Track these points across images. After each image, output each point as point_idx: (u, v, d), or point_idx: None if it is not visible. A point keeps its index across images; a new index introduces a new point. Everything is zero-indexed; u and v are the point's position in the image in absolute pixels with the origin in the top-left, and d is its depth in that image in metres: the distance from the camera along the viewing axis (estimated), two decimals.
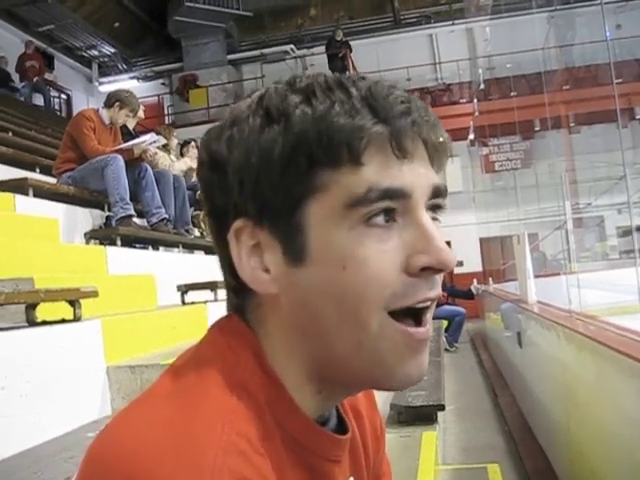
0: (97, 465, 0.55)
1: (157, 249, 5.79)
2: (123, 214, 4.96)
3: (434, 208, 0.65)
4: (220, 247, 0.66)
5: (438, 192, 0.63)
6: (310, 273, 0.60)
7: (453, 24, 18.14)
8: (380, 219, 0.59)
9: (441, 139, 0.64)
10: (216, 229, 0.67)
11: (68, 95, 17.59)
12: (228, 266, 0.65)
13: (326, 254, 0.59)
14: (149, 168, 5.48)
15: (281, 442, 0.60)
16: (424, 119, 0.61)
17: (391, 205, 0.59)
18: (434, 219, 0.64)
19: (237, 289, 0.66)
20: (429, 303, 0.62)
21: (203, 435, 0.53)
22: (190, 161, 7.21)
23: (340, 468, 0.69)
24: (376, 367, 0.61)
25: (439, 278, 0.63)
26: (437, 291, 0.63)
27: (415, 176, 0.61)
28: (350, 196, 0.58)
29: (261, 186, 0.60)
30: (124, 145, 5.37)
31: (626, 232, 10.20)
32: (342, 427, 0.72)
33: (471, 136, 14.95)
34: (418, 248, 0.60)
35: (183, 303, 4.50)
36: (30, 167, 5.98)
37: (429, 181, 0.62)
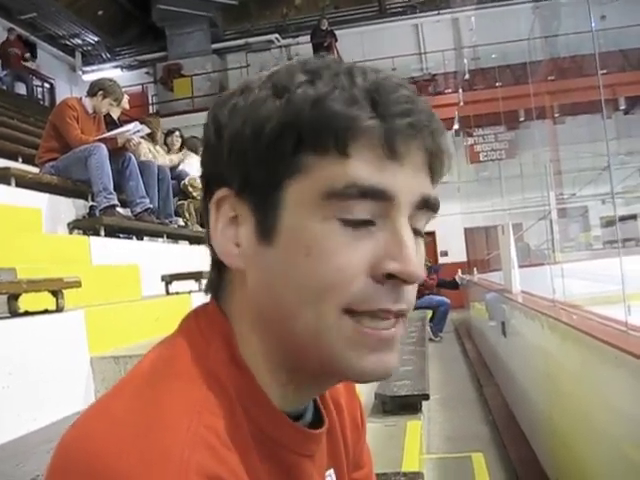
0: (64, 458, 0.54)
1: (141, 239, 5.76)
2: (107, 204, 4.93)
3: (421, 218, 0.62)
4: (205, 215, 0.66)
5: (426, 202, 0.61)
6: (276, 254, 0.59)
7: (439, 14, 18.13)
8: (357, 217, 0.57)
9: (440, 147, 0.61)
10: (204, 196, 0.66)
11: (51, 84, 17.42)
12: (209, 235, 0.65)
13: (294, 238, 0.58)
14: (133, 158, 5.44)
15: (251, 435, 0.59)
16: (424, 123, 0.59)
17: (371, 205, 0.57)
18: (417, 230, 0.62)
19: (215, 261, 0.66)
20: (391, 316, 0.60)
21: (170, 429, 0.52)
22: (177, 159, 7.19)
23: (313, 462, 0.67)
24: (333, 358, 0.59)
25: (408, 292, 0.60)
26: (401, 305, 0.60)
27: (402, 181, 0.58)
28: (329, 186, 0.56)
29: (247, 158, 0.59)
30: (108, 134, 5.33)
31: (610, 222, 10.28)
32: (319, 420, 0.71)
33: (456, 126, 14.97)
34: (389, 254, 0.58)
35: (167, 293, 4.48)
36: (12, 156, 5.93)
37: (418, 189, 0.60)
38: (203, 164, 0.67)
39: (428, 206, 0.61)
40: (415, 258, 0.58)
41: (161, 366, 0.60)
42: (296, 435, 0.65)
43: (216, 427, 0.55)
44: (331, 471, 0.73)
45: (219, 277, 0.66)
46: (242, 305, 0.64)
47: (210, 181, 0.65)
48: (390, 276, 0.58)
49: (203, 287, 0.70)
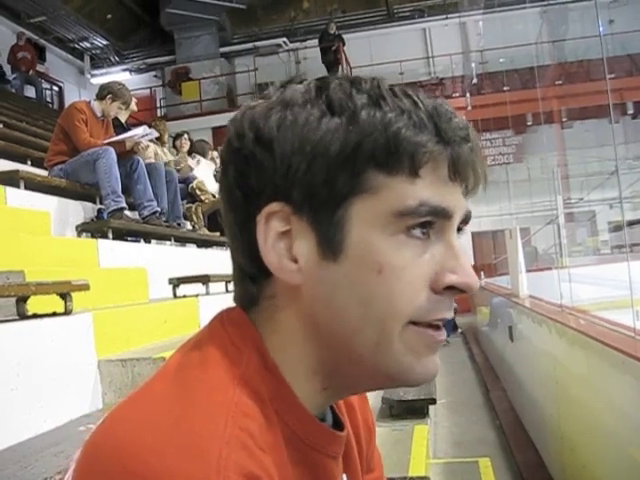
0: (96, 458, 0.53)
1: (149, 242, 5.77)
2: (115, 207, 4.94)
3: (457, 230, 0.66)
4: (240, 227, 0.64)
5: (467, 218, 0.66)
6: (342, 270, 0.60)
7: (447, 18, 18.11)
8: (419, 232, 0.61)
9: (484, 169, 0.66)
10: (241, 206, 0.64)
11: (60, 87, 17.48)
12: (248, 249, 0.64)
13: (363, 255, 0.60)
14: (141, 161, 5.46)
15: (283, 438, 0.60)
16: (479, 148, 0.65)
17: (432, 220, 0.61)
18: None
19: (254, 275, 0.65)
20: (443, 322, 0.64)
21: (206, 429, 0.53)
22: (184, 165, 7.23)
23: (337, 464, 0.69)
24: (393, 365, 0.62)
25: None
26: (452, 312, 0.65)
27: (457, 200, 0.63)
28: (402, 205, 0.59)
29: (312, 175, 0.60)
30: (116, 138, 5.35)
31: (617, 227, 10.25)
32: (337, 423, 0.72)
33: None
34: (448, 267, 0.62)
35: (175, 296, 4.48)
36: (21, 159, 5.94)
37: (465, 206, 0.65)
38: (241, 174, 0.63)
39: (467, 220, 0.67)
40: (472, 271, 0.64)
41: (192, 368, 0.60)
42: (326, 437, 0.66)
43: (250, 429, 0.55)
44: (343, 475, 0.73)
45: (259, 289, 0.65)
46: (287, 318, 0.64)
47: (252, 192, 0.63)
48: (448, 287, 0.62)
49: (233, 295, 0.70)
